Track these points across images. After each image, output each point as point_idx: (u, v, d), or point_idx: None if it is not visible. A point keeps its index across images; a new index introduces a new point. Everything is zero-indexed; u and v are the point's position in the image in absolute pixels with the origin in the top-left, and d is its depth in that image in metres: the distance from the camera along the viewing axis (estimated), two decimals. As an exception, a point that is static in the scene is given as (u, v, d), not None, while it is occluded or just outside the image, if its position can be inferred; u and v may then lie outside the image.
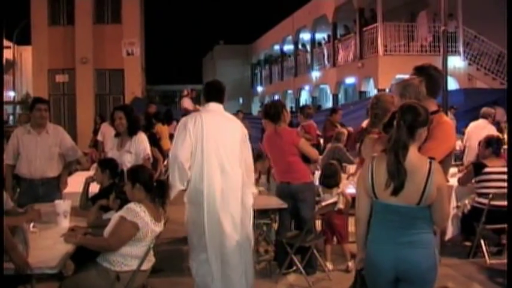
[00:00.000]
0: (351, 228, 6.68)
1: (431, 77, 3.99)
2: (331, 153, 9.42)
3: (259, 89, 40.19)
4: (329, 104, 27.23)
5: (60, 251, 4.00)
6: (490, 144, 6.99)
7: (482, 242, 6.75)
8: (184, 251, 5.22)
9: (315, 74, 27.65)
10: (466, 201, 7.01)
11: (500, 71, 19.12)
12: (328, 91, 27.29)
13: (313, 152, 6.43)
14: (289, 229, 6.45)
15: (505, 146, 8.09)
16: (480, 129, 9.86)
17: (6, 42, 28.34)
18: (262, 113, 6.80)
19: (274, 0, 52.23)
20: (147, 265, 4.38)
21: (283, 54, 34.00)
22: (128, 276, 4.20)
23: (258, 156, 7.64)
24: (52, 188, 6.30)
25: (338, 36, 24.73)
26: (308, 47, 29.48)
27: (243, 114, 16.76)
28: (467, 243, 7.19)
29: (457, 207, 7.08)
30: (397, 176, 3.18)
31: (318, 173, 7.14)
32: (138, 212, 4.23)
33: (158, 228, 4.38)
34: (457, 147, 9.77)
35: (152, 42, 30.09)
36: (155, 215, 4.36)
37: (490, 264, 6.57)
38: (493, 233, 6.95)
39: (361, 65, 21.28)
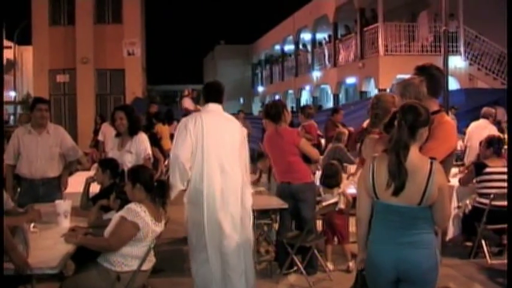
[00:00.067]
0: (352, 228, 6.67)
1: (432, 77, 3.98)
2: (332, 153, 9.42)
3: (260, 89, 40.19)
4: (330, 104, 27.23)
5: (61, 251, 3.99)
6: (491, 144, 6.99)
7: (483, 242, 6.74)
8: (185, 251, 5.22)
9: (316, 74, 27.64)
10: (467, 202, 7.01)
11: (501, 71, 19.09)
12: (329, 91, 27.28)
13: (313, 152, 6.43)
14: (290, 229, 6.45)
15: (506, 146, 8.08)
16: (481, 129, 9.86)
17: (7, 42, 28.41)
18: (263, 113, 6.80)
19: (275, 0, 52.22)
20: (147, 265, 4.37)
21: (284, 54, 33.99)
22: (129, 276, 4.20)
23: (259, 155, 7.65)
24: (52, 188, 6.30)
25: (339, 36, 24.71)
26: (309, 47, 29.49)
27: (244, 114, 16.74)
28: (468, 244, 7.18)
29: (458, 207, 7.07)
30: (398, 176, 3.17)
31: (318, 173, 7.14)
32: (139, 212, 4.23)
33: (159, 228, 4.38)
34: (458, 148, 9.76)
35: (153, 42, 30.06)
36: (156, 215, 4.35)
37: (491, 265, 6.56)
38: (494, 233, 6.94)
39: (362, 65, 21.27)
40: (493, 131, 9.45)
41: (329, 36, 26.14)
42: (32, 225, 4.49)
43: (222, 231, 4.94)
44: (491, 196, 6.53)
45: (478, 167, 6.88)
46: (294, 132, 6.50)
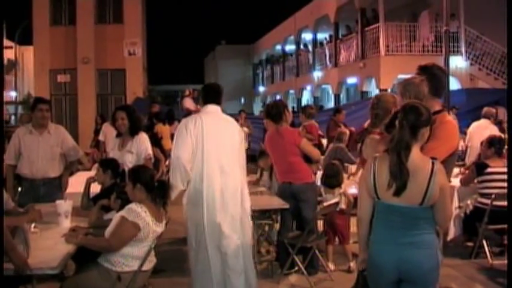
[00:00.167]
0: (353, 228, 6.66)
1: (434, 76, 3.97)
2: (333, 153, 9.42)
3: (261, 89, 40.20)
4: (331, 104, 27.23)
5: (61, 252, 3.99)
6: (493, 144, 6.98)
7: (484, 242, 6.74)
8: (186, 252, 5.22)
9: (317, 74, 27.64)
10: (469, 202, 7.00)
11: (502, 71, 19.08)
12: (330, 91, 27.28)
13: (314, 152, 6.42)
14: (291, 229, 6.44)
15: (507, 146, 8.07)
16: (482, 129, 9.86)
17: (8, 42, 28.43)
18: (264, 113, 6.79)
19: (276, 0, 52.18)
20: (148, 265, 4.37)
21: (285, 54, 34.00)
22: (129, 276, 4.19)
23: (260, 153, 7.65)
24: (53, 188, 6.29)
25: (340, 36, 24.71)
26: (310, 47, 29.48)
27: (246, 114, 16.75)
28: (470, 244, 7.17)
29: (459, 207, 7.06)
30: (400, 177, 3.17)
31: (319, 173, 7.13)
32: (139, 212, 4.22)
33: (159, 228, 4.37)
34: (459, 148, 9.76)
35: (154, 42, 30.04)
36: (156, 215, 4.35)
37: (492, 265, 6.55)
38: (495, 233, 6.93)
39: (363, 65, 21.27)
40: (494, 131, 9.45)
41: (330, 36, 26.14)
42: (33, 225, 4.49)
43: (222, 232, 4.94)
44: (493, 196, 6.52)
45: (479, 167, 6.87)
46: (295, 132, 6.50)
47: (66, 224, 4.77)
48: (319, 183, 6.76)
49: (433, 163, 3.21)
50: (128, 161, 5.86)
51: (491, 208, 6.55)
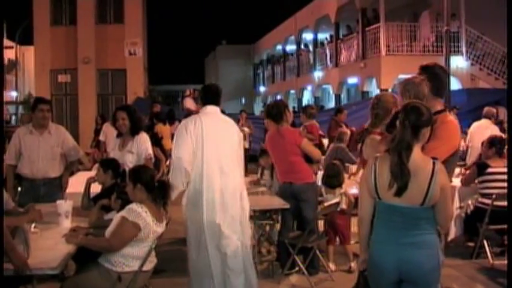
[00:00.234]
0: (354, 228, 6.64)
1: (436, 76, 3.97)
2: (334, 153, 9.41)
3: (262, 89, 40.20)
4: (331, 104, 27.22)
5: (62, 252, 3.98)
6: (493, 144, 6.98)
7: (485, 242, 6.73)
8: (186, 252, 5.21)
9: (318, 74, 27.63)
10: (469, 202, 6.99)
11: (503, 71, 19.06)
12: (331, 91, 27.27)
13: (315, 152, 6.42)
14: (292, 229, 6.44)
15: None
16: (483, 129, 9.85)
17: (8, 42, 28.46)
18: (265, 113, 6.80)
19: (276, 0, 52.15)
20: (149, 266, 4.36)
21: (285, 54, 33.98)
22: (130, 277, 4.19)
23: (261, 151, 7.64)
24: (54, 188, 6.28)
25: (340, 36, 24.71)
26: (310, 47, 29.48)
27: (247, 114, 16.75)
28: (471, 244, 7.17)
29: (460, 207, 7.06)
30: (401, 177, 3.16)
31: (320, 173, 7.13)
32: (140, 212, 4.22)
33: (160, 228, 4.37)
34: (460, 148, 9.75)
35: (154, 42, 30.05)
36: (157, 215, 4.34)
37: (493, 265, 6.55)
38: (496, 233, 6.93)
39: (364, 65, 21.26)
40: (495, 131, 9.44)
41: (331, 36, 26.13)
42: (33, 225, 4.48)
43: (222, 232, 4.94)
44: (493, 196, 6.52)
45: (480, 167, 6.86)
46: (296, 132, 6.49)
47: (67, 224, 4.77)
48: (319, 183, 6.75)
49: (434, 163, 3.20)
50: (129, 161, 5.86)
51: (492, 208, 6.54)
